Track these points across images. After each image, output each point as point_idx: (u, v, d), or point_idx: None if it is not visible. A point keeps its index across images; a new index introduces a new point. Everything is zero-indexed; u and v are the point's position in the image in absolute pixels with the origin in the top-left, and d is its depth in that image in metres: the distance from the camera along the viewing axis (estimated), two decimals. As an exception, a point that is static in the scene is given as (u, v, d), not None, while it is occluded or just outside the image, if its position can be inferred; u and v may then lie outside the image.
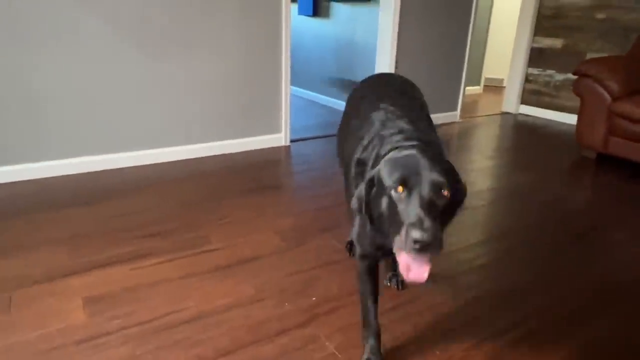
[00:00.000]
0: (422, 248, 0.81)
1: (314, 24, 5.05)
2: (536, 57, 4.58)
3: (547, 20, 4.43)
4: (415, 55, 3.96)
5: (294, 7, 5.17)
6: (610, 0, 3.90)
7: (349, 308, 1.51)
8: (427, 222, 0.81)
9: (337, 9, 4.65)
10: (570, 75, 4.26)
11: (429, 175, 0.89)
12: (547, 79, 4.52)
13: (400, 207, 0.87)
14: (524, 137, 3.94)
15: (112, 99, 2.70)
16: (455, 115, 4.43)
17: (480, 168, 3.06)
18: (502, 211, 2.39)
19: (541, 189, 2.70)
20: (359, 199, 1.01)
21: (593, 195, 2.73)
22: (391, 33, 3.73)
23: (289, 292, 1.59)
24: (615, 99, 2.98)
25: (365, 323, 1.27)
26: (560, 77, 4.40)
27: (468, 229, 2.15)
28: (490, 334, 1.42)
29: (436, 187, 0.88)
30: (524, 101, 4.77)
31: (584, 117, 3.19)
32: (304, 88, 5.47)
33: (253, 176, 2.76)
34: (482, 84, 6.28)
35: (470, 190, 2.27)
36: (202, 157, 3.08)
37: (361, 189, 1.00)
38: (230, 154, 3.18)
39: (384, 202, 0.92)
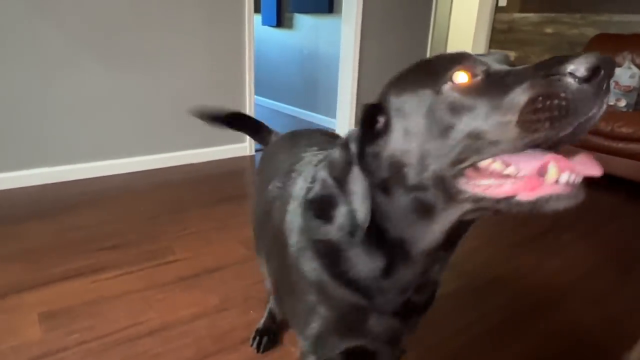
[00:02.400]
0: (608, 71, 0.42)
1: (278, 35, 5.09)
2: (491, 68, 4.79)
3: (500, 34, 4.65)
4: (378, 66, 4.06)
5: (258, 17, 5.20)
6: (557, 16, 4.14)
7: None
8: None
9: (301, 20, 4.71)
10: (523, 86, 4.48)
11: (491, 55, 0.57)
12: (502, 89, 4.73)
13: (484, 101, 0.47)
14: (481, 145, 4.10)
15: (71, 110, 2.62)
16: (416, 125, 4.56)
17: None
18: (461, 216, 2.48)
19: (498, 194, 2.82)
20: (340, 161, 0.59)
21: (546, 200, 2.87)
22: (353, 44, 3.82)
23: (254, 300, 1.59)
24: (563, 108, 3.16)
25: None
26: (514, 87, 4.62)
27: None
28: (450, 333, 1.47)
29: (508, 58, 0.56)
30: (481, 111, 4.96)
31: (536, 125, 3.36)
32: (268, 98, 5.48)
33: (217, 186, 2.74)
34: (442, 94, 6.49)
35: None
36: (165, 168, 3.03)
37: (351, 134, 0.59)
38: (194, 164, 3.14)
39: (421, 125, 0.52)
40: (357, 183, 0.57)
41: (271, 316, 1.43)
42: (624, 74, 3.08)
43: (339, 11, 4.06)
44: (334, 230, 0.64)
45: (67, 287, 1.62)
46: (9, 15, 2.32)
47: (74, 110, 2.64)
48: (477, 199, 0.50)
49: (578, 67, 0.41)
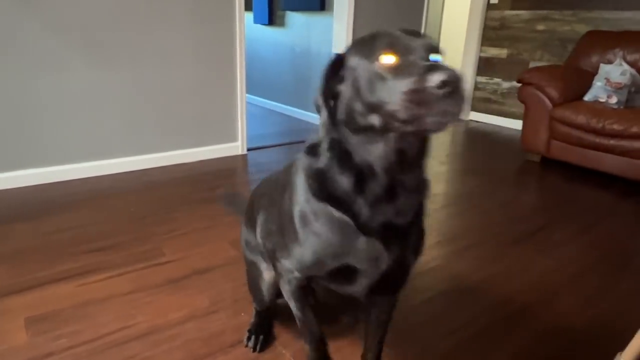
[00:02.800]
0: (454, 88, 0.61)
1: (270, 33, 5.06)
2: (484, 66, 4.79)
3: (492, 32, 4.65)
4: (370, 64, 4.05)
5: (249, 15, 5.16)
6: (548, 13, 4.15)
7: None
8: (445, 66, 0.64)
9: (292, 18, 4.69)
10: (515, 83, 4.48)
11: (421, 40, 0.73)
12: (494, 86, 4.74)
13: (391, 80, 0.68)
14: (474, 143, 4.10)
15: (59, 110, 2.58)
16: (409, 122, 4.55)
17: (434, 173, 3.15)
18: (453, 214, 2.47)
19: (491, 192, 2.82)
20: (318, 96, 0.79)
21: (538, 197, 2.87)
22: (345, 42, 3.80)
23: (244, 302, 1.57)
24: (555, 105, 3.17)
25: (307, 333, 1.15)
26: (506, 85, 4.62)
27: (422, 232, 2.20)
28: (443, 334, 1.46)
29: (436, 51, 0.73)
30: (474, 108, 4.97)
31: (528, 122, 3.36)
32: (260, 96, 5.45)
33: (208, 186, 2.72)
34: (434, 91, 6.49)
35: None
36: (155, 168, 3.00)
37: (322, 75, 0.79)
38: (185, 164, 3.11)
39: (360, 84, 0.73)
40: (321, 107, 0.77)
41: (259, 313, 1.42)
42: (614, 71, 3.09)
43: (331, 9, 4.05)
44: (320, 161, 0.84)
45: (54, 290, 1.59)
46: (-7, 14, 2.28)
47: (62, 111, 2.60)
48: (398, 129, 0.69)
49: (435, 78, 0.60)
